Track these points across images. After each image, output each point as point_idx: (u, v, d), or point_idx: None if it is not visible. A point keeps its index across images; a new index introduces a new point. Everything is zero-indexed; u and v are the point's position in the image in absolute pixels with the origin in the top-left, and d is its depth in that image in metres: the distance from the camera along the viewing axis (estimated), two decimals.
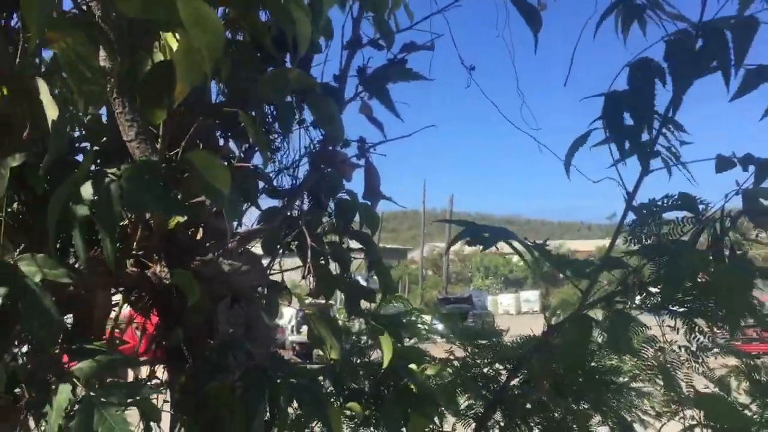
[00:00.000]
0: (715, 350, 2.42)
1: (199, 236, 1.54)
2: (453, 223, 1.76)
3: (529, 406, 2.58)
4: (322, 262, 2.26)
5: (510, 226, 1.73)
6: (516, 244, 1.77)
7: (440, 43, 1.73)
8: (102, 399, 1.08)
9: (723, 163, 1.76)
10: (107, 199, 1.04)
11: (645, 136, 1.93)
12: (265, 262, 2.14)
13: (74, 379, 1.11)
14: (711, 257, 2.21)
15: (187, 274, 1.31)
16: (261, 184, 1.96)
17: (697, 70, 1.48)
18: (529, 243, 1.69)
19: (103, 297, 1.41)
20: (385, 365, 1.46)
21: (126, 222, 1.36)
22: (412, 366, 1.60)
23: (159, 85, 1.12)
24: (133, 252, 1.41)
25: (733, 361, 2.65)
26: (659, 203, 2.24)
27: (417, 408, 1.43)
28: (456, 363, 2.67)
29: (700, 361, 2.37)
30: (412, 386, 1.44)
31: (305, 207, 2.11)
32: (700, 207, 2.21)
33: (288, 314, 23.45)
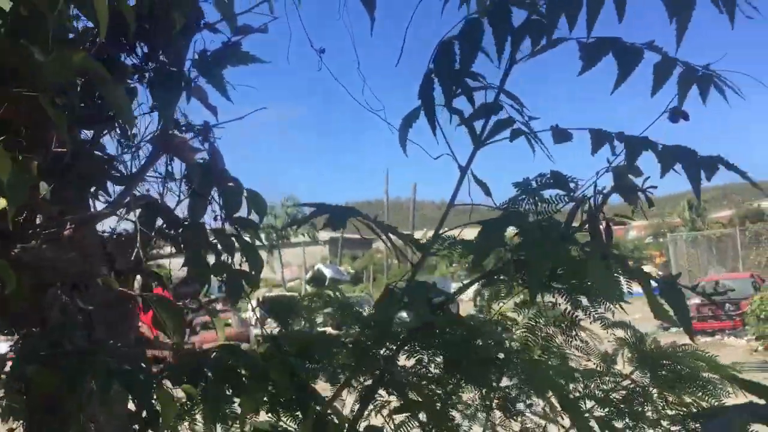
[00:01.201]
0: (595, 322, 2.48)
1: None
2: (306, 206, 1.78)
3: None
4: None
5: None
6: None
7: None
8: None
9: (559, 135, 1.80)
10: None
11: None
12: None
13: None
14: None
15: (2, 263, 1.30)
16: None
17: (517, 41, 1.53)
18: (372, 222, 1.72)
19: None
20: (220, 340, 1.47)
21: None
22: (245, 346, 1.61)
23: None
24: None
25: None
26: (533, 182, 2.31)
27: (238, 388, 1.44)
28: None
29: (573, 334, 2.43)
30: (240, 367, 1.44)
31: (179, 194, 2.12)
32: (572, 185, 2.28)
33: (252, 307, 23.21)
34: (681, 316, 1.30)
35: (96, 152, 1.70)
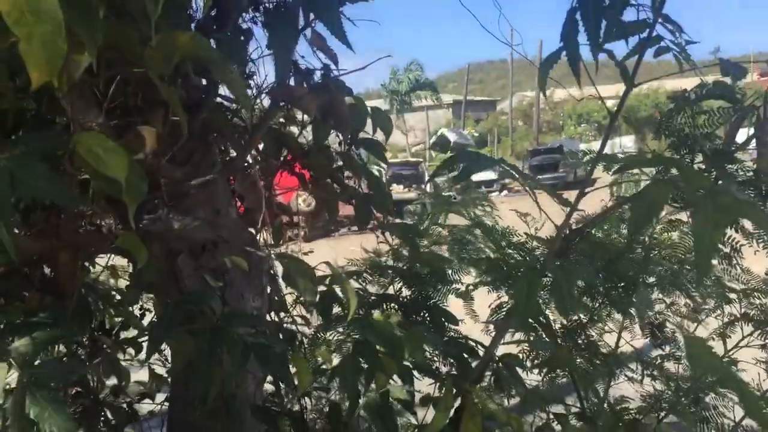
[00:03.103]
0: None
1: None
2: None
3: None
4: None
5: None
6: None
7: None
8: (35, 379, 1.10)
9: (733, 70, 1.51)
10: None
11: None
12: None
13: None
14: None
15: (131, 236, 1.28)
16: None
17: None
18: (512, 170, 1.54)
19: (65, 258, 1.42)
20: (350, 315, 1.41)
21: None
22: (377, 316, 1.55)
23: None
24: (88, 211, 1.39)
25: None
26: (692, 93, 2.02)
27: (373, 363, 1.39)
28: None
29: (733, 262, 2.20)
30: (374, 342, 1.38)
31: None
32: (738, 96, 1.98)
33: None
34: None
35: (219, 99, 1.61)
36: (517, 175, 1.57)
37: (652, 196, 1.25)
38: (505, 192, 25.50)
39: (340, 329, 2.30)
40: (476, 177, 25.08)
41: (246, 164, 1.94)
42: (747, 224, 2.08)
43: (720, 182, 1.82)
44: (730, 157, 2.02)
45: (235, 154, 1.75)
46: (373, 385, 1.47)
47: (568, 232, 2.26)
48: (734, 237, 2.14)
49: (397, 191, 24.29)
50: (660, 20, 1.41)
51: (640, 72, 1.58)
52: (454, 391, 1.52)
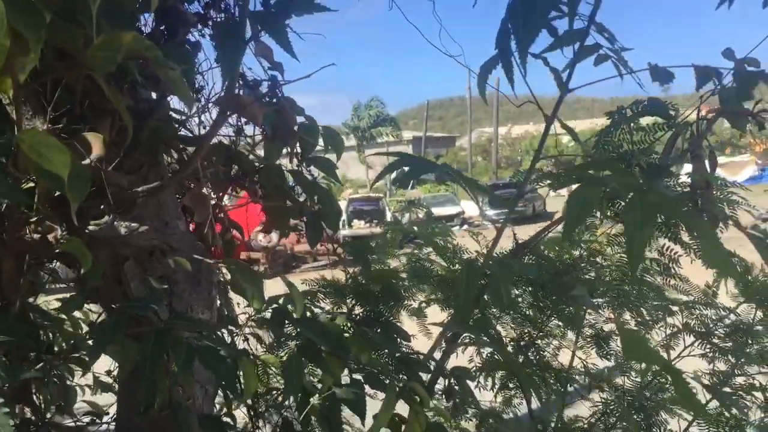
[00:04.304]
0: None
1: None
2: (390, 155, 1.68)
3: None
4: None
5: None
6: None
7: None
8: None
9: (660, 75, 1.60)
10: None
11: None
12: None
13: None
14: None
15: (76, 241, 1.28)
16: None
17: None
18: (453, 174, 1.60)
19: (9, 265, 1.41)
20: (297, 314, 1.43)
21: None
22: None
23: None
24: (31, 218, 1.39)
25: None
26: (628, 110, 2.11)
27: (317, 362, 1.41)
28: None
29: (672, 272, 2.28)
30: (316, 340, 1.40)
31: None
32: (672, 112, 2.07)
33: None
34: None
35: (169, 111, 1.64)
36: (459, 180, 1.62)
37: (584, 196, 1.31)
38: (465, 226, 25.75)
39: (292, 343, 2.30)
40: (437, 212, 25.37)
41: (195, 178, 1.96)
42: (685, 236, 2.17)
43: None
44: (665, 172, 2.11)
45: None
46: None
47: (514, 246, 2.33)
48: (672, 248, 2.22)
49: (359, 227, 24.33)
50: (594, 29, 1.50)
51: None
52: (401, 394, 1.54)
